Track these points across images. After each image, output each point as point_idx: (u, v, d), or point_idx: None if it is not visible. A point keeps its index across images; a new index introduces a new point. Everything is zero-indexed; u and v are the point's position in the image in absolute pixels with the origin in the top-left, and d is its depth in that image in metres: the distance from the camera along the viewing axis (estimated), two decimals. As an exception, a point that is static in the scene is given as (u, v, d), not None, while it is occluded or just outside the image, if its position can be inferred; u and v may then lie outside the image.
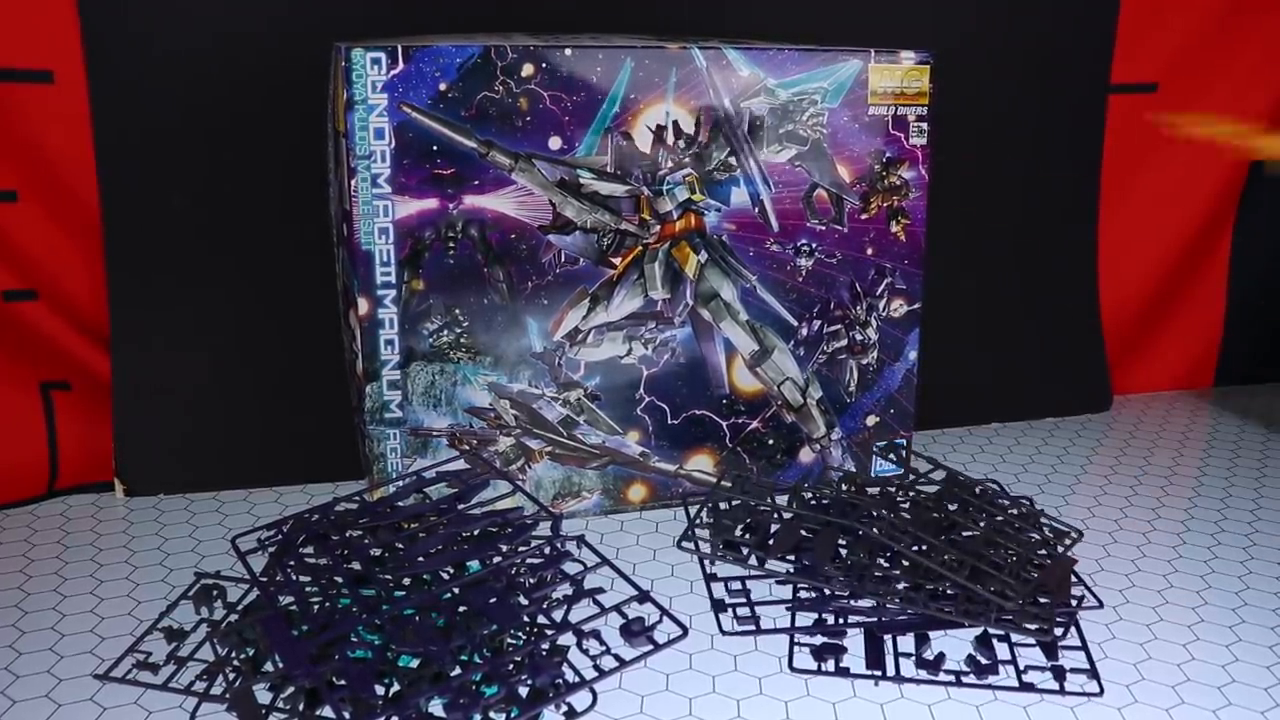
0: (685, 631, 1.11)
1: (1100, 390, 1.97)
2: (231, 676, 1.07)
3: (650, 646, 1.10)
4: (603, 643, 1.11)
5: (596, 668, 1.09)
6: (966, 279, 1.83)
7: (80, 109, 1.48)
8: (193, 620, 1.19)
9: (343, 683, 1.00)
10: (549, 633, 1.12)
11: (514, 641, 1.11)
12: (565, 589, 1.19)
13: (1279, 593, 1.33)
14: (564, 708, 1.05)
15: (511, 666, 1.05)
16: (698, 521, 1.33)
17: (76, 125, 1.48)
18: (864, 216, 1.49)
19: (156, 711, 1.07)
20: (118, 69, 1.47)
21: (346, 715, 0.97)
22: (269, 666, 1.07)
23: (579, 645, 1.11)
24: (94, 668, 1.13)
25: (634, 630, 1.09)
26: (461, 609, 1.10)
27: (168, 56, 1.49)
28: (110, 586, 1.30)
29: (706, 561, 1.32)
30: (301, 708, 1.01)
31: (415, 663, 1.06)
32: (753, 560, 1.28)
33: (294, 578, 1.16)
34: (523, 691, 1.03)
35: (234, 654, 1.09)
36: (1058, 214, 1.89)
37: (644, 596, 1.15)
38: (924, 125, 1.48)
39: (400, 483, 1.36)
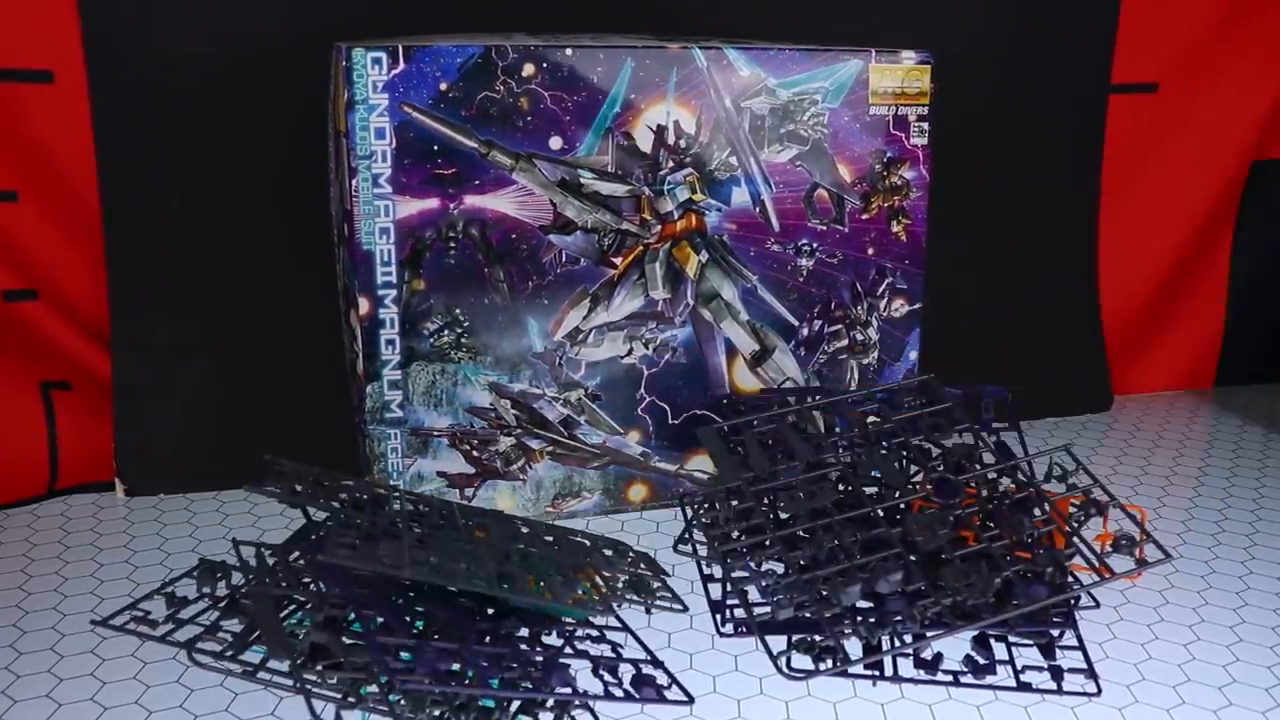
0: (691, 700, 1.11)
1: (1101, 390, 1.97)
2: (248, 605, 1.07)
3: (656, 698, 1.10)
4: (616, 676, 1.11)
5: (606, 691, 1.08)
6: (967, 279, 1.83)
7: (81, 109, 1.48)
8: (194, 596, 1.18)
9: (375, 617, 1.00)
10: (565, 651, 1.12)
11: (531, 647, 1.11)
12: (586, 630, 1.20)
13: (1280, 593, 1.33)
14: None
15: (527, 663, 1.05)
16: (694, 521, 1.33)
17: (77, 125, 1.48)
18: (865, 216, 1.49)
19: (154, 686, 1.09)
20: (118, 69, 1.47)
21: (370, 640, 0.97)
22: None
23: (594, 671, 1.10)
24: (95, 668, 1.13)
25: (644, 681, 1.10)
26: (490, 610, 1.11)
27: (168, 56, 1.49)
28: (111, 586, 1.30)
29: (704, 562, 1.32)
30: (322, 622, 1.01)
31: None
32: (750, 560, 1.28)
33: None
34: (528, 685, 1.03)
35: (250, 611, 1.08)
36: (1059, 213, 1.89)
37: (656, 663, 1.15)
38: (925, 125, 1.48)
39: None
